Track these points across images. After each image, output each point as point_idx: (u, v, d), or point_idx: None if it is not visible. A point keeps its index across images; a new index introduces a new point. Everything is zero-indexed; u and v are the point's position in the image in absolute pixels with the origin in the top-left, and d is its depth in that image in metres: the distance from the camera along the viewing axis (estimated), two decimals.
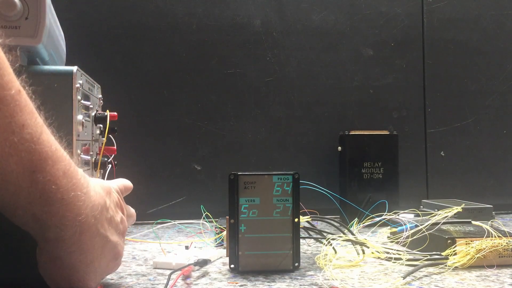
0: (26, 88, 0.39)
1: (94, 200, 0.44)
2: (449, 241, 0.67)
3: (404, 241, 0.76)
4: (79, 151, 0.65)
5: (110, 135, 0.81)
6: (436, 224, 0.76)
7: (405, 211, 0.94)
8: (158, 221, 0.95)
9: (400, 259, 0.67)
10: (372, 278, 0.60)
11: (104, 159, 0.77)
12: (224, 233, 0.78)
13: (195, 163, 1.14)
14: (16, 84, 0.37)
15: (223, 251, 0.74)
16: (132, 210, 0.60)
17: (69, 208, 0.41)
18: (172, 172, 1.12)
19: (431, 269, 0.64)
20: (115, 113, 0.80)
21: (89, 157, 0.71)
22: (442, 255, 0.67)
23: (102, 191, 0.47)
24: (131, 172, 1.08)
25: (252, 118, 1.16)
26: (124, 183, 0.58)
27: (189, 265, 0.61)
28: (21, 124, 0.37)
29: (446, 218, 0.79)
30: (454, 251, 0.66)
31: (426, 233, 0.71)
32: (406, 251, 0.72)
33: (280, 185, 0.63)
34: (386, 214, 0.87)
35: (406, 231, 0.76)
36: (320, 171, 1.16)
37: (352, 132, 1.07)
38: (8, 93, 0.36)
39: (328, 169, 1.15)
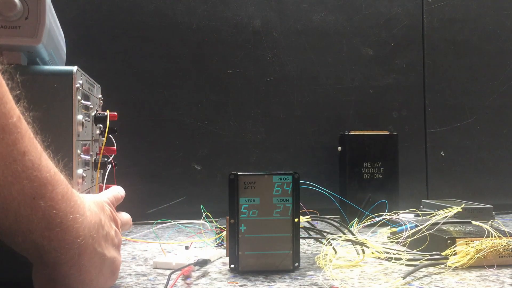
0: (26, 114, 0.38)
1: (90, 220, 0.44)
2: (449, 241, 0.67)
3: (404, 241, 0.76)
4: (79, 151, 0.65)
5: (110, 135, 0.81)
6: (436, 224, 0.76)
7: (405, 211, 0.94)
8: (158, 221, 0.95)
9: (400, 259, 0.67)
10: (372, 278, 0.60)
11: (104, 159, 0.77)
12: (224, 233, 0.78)
13: (195, 163, 1.14)
14: (17, 111, 0.36)
15: (223, 251, 0.74)
16: (127, 217, 0.60)
17: (68, 231, 0.40)
18: (172, 172, 1.12)
19: (431, 269, 0.64)
20: (115, 113, 0.80)
21: (89, 157, 0.71)
22: (442, 255, 0.67)
23: (97, 208, 0.47)
24: (131, 172, 1.09)
25: (252, 118, 1.16)
26: (114, 193, 0.58)
27: (189, 265, 0.61)
28: (22, 151, 0.36)
29: (446, 218, 0.79)
30: (454, 251, 0.66)
31: (426, 233, 0.71)
32: (406, 251, 0.72)
33: (280, 185, 0.63)
34: (386, 214, 0.87)
35: (406, 231, 0.76)
36: (320, 171, 1.16)
37: (352, 132, 1.07)
38: (11, 121, 0.35)
39: (328, 169, 1.15)
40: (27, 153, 0.37)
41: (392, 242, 0.82)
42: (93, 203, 0.47)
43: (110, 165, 0.79)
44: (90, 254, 0.43)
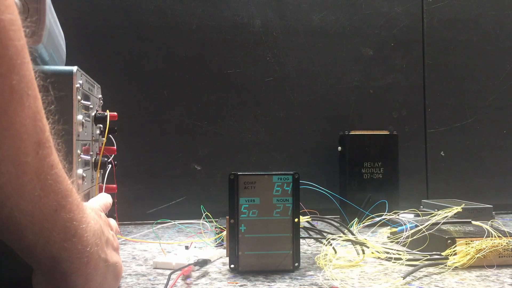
0: (55, 127, 0.38)
1: (94, 227, 0.44)
2: (449, 241, 0.67)
3: (404, 241, 0.76)
4: (79, 151, 0.65)
5: (110, 135, 0.81)
6: (436, 224, 0.76)
7: (405, 211, 0.94)
8: (158, 221, 0.95)
9: (400, 259, 0.67)
10: (372, 278, 0.60)
11: (104, 159, 0.77)
12: (224, 233, 0.78)
13: (195, 163, 1.14)
14: (47, 125, 0.37)
15: (223, 251, 0.74)
16: (114, 223, 0.60)
17: (81, 241, 0.40)
18: (172, 172, 1.12)
19: (431, 269, 0.64)
20: (115, 113, 0.80)
21: (89, 157, 0.71)
22: (442, 255, 0.67)
23: (96, 215, 0.47)
24: (131, 172, 1.09)
25: (252, 118, 1.16)
26: (104, 201, 0.59)
27: (189, 265, 0.61)
28: (51, 164, 0.36)
29: (446, 218, 0.79)
30: (454, 251, 0.66)
31: (426, 233, 0.71)
32: (406, 251, 0.72)
33: (280, 185, 0.63)
34: (386, 214, 0.87)
35: (406, 231, 0.76)
36: (320, 171, 1.16)
37: (352, 132, 1.07)
38: (45, 135, 0.36)
39: (328, 169, 1.15)
40: (54, 166, 0.37)
41: (392, 242, 0.82)
42: (92, 210, 0.47)
43: (110, 165, 0.79)
44: (95, 261, 0.44)
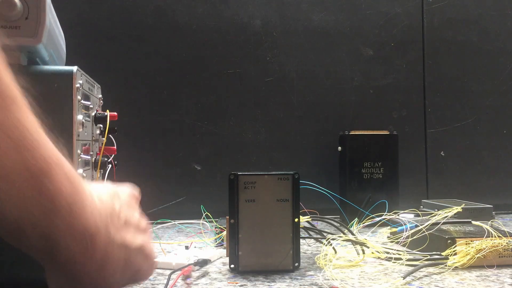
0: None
1: (100, 209, 0.41)
2: (449, 241, 0.67)
3: (404, 241, 0.76)
4: (79, 151, 0.65)
5: (110, 135, 0.81)
6: (436, 224, 0.76)
7: (405, 211, 0.94)
8: (158, 221, 0.95)
9: (400, 259, 0.67)
10: (372, 278, 0.60)
11: (104, 159, 0.77)
12: (224, 233, 0.78)
13: (195, 163, 1.14)
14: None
15: (223, 251, 0.74)
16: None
17: (79, 220, 0.38)
18: (172, 172, 1.12)
19: (431, 269, 0.64)
20: (115, 113, 0.80)
21: (89, 157, 0.71)
22: (442, 255, 0.67)
23: (108, 197, 0.44)
24: (131, 172, 1.08)
25: (252, 118, 1.16)
26: (132, 190, 0.55)
27: (189, 265, 0.61)
28: (17, 118, 0.35)
29: (446, 218, 0.79)
30: (454, 251, 0.66)
31: (426, 233, 0.71)
32: (406, 251, 0.72)
33: (280, 185, 0.63)
34: (386, 214, 0.87)
35: (406, 231, 0.76)
36: (320, 171, 1.16)
37: (352, 132, 1.07)
38: (12, 94, 0.35)
39: (328, 169, 1.15)
40: (24, 122, 0.35)
41: (392, 242, 0.82)
42: (104, 193, 0.44)
43: (110, 165, 0.79)
44: (104, 245, 0.40)
